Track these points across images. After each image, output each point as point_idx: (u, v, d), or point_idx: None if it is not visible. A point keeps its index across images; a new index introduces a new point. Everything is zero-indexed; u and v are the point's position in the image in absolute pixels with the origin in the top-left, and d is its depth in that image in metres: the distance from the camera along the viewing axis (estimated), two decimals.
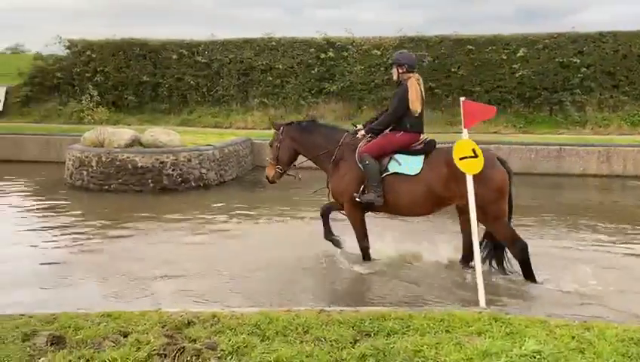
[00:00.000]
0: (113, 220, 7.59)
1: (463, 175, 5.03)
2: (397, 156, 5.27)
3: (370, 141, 5.38)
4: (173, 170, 9.71)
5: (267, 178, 5.95)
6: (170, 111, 17.55)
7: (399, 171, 5.23)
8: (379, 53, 16.69)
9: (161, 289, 4.98)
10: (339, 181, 5.50)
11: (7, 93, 17.83)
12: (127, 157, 9.52)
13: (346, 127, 6.16)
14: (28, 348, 3.00)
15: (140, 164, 9.52)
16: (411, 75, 5.36)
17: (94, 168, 9.56)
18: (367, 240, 5.59)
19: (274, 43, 17.22)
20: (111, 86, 17.53)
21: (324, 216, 5.84)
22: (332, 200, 5.73)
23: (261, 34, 17.40)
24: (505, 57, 16.18)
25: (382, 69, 16.63)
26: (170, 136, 10.23)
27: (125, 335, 3.21)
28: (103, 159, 9.54)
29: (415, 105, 5.27)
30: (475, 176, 4.93)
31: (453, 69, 16.40)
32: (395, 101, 5.35)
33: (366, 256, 5.62)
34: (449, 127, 15.98)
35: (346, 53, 16.90)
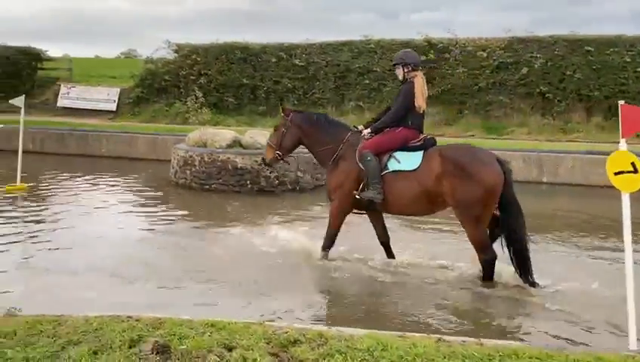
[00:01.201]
0: (216, 219, 7.65)
1: (458, 171, 4.87)
2: (396, 154, 5.26)
3: (369, 138, 5.39)
4: (270, 171, 9.68)
5: (264, 160, 6.03)
6: (268, 113, 17.83)
7: (398, 169, 5.21)
8: (484, 54, 15.78)
9: (261, 297, 4.81)
10: (335, 177, 5.51)
11: (120, 94, 19.16)
12: (228, 158, 9.65)
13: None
14: (134, 356, 2.89)
15: (239, 165, 9.61)
16: (417, 73, 5.39)
17: (197, 168, 9.80)
18: (334, 242, 5.61)
19: (372, 45, 16.91)
20: (213, 88, 18.17)
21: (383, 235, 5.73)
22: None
23: (359, 36, 17.18)
24: (629, 60, 14.61)
25: (487, 71, 15.72)
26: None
27: (230, 349, 3.01)
28: (206, 159, 9.75)
29: (420, 101, 5.28)
30: (468, 173, 4.84)
31: (568, 72, 15.08)
32: (400, 97, 5.36)
33: (324, 254, 5.61)
34: (562, 135, 14.73)
35: (447, 55, 16.16)
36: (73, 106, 19.07)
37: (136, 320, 3.37)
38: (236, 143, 10.08)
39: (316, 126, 5.71)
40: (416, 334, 3.32)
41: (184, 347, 3.00)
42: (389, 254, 5.69)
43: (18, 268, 5.46)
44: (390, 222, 6.13)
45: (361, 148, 5.33)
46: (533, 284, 4.93)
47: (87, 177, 11.25)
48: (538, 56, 15.46)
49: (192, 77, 18.38)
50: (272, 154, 5.87)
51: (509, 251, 4.99)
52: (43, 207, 8.45)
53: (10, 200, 8.67)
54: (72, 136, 14.72)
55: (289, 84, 17.73)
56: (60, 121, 16.59)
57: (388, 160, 5.26)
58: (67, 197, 9.36)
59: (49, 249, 6.13)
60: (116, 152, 14.15)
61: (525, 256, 4.95)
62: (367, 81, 16.76)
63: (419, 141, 5.27)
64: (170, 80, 18.70)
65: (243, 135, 10.36)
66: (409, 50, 5.97)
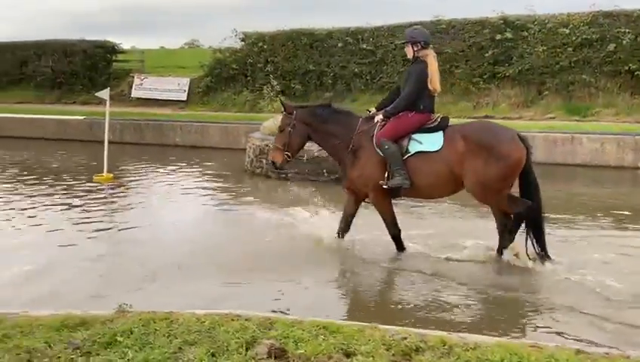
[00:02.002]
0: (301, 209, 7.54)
1: (482, 151, 4.84)
2: (416, 136, 5.12)
3: (384, 125, 5.21)
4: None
5: (273, 164, 5.67)
6: (334, 99, 17.55)
7: (422, 150, 5.08)
8: (566, 31, 14.72)
9: (359, 293, 4.64)
10: (361, 170, 5.30)
11: (190, 83, 19.54)
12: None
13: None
14: (252, 360, 2.79)
15: (315, 154, 9.44)
16: (427, 51, 5.23)
17: None
18: (398, 227, 5.40)
19: (443, 25, 16.21)
20: (280, 75, 18.11)
21: (347, 228, 5.61)
22: (347, 190, 5.55)
23: (430, 17, 16.51)
24: None
25: (569, 49, 14.68)
26: None
27: (348, 356, 2.86)
28: None
29: (435, 83, 5.16)
30: (492, 151, 4.83)
31: None
32: (413, 79, 5.16)
33: (399, 244, 5.43)
34: None
35: (526, 33, 15.23)
36: (146, 97, 19.66)
37: (246, 320, 3.29)
38: None
39: (325, 119, 5.48)
40: (550, 343, 3.02)
41: (301, 351, 2.88)
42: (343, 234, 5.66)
43: (108, 256, 5.58)
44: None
45: (378, 136, 5.17)
46: (546, 256, 5.03)
47: (164, 166, 11.54)
48: (626, 31, 14.22)
49: (258, 65, 18.43)
50: (281, 157, 5.55)
51: (526, 224, 5.06)
52: (128, 196, 8.72)
53: (98, 189, 8.99)
54: (147, 126, 15.18)
55: (356, 69, 17.38)
56: (136, 112, 17.16)
57: (408, 143, 5.13)
58: (149, 186, 9.63)
59: (136, 237, 6.24)
60: (190, 141, 14.45)
61: (541, 229, 5.02)
62: (439, 63, 16.08)
63: (434, 122, 5.16)
64: (238, 68, 18.83)
65: None
66: (418, 27, 5.73)
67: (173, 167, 11.45)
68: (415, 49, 5.23)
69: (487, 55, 15.51)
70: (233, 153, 12.55)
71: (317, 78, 17.92)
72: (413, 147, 5.10)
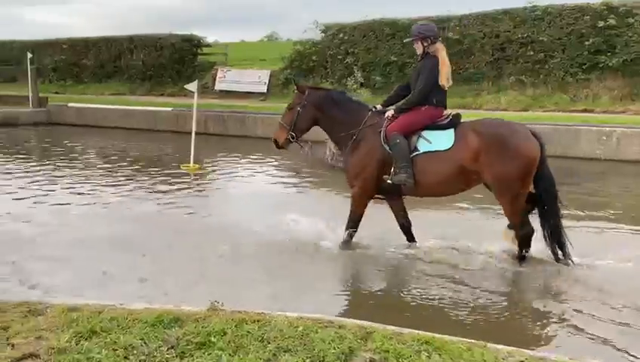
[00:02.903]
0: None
1: (496, 147, 4.69)
2: (425, 134, 4.99)
3: (394, 119, 5.06)
4: None
5: (276, 142, 5.55)
6: None
7: (431, 149, 4.94)
8: None
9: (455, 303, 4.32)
10: (357, 162, 5.19)
11: (270, 76, 19.76)
12: None
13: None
14: None
15: None
16: (438, 46, 5.08)
17: None
18: (357, 226, 5.34)
19: (538, 12, 15.15)
20: (360, 67, 17.81)
21: (407, 225, 5.43)
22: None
23: (524, 3, 15.49)
24: None
25: None
26: None
27: None
28: None
29: (444, 80, 4.99)
30: (505, 149, 4.68)
31: None
32: (425, 75, 4.99)
33: (348, 242, 5.33)
34: None
35: (631, 20, 13.87)
36: (229, 89, 20.12)
37: (340, 327, 3.09)
38: None
39: (337, 106, 5.35)
40: None
41: None
42: (410, 238, 5.42)
43: (190, 246, 5.59)
44: None
45: (389, 129, 5.04)
46: (567, 261, 4.85)
47: (247, 157, 11.68)
48: None
49: (338, 56, 18.23)
50: (284, 136, 5.47)
51: (544, 226, 4.89)
52: (212, 186, 8.87)
53: (184, 178, 9.22)
54: (230, 118, 15.48)
55: None
56: (219, 104, 17.59)
57: (417, 141, 5.01)
58: (233, 176, 9.75)
59: (219, 226, 6.25)
60: (271, 133, 14.31)
61: (560, 231, 4.86)
62: (531, 53, 15.10)
63: (446, 119, 5.04)
64: (317, 60, 18.76)
65: None
66: (425, 22, 5.43)
67: (255, 158, 11.56)
68: (425, 44, 5.08)
69: (587, 44, 14.31)
70: (313, 145, 12.43)
71: (398, 70, 17.42)
72: (422, 146, 4.99)
